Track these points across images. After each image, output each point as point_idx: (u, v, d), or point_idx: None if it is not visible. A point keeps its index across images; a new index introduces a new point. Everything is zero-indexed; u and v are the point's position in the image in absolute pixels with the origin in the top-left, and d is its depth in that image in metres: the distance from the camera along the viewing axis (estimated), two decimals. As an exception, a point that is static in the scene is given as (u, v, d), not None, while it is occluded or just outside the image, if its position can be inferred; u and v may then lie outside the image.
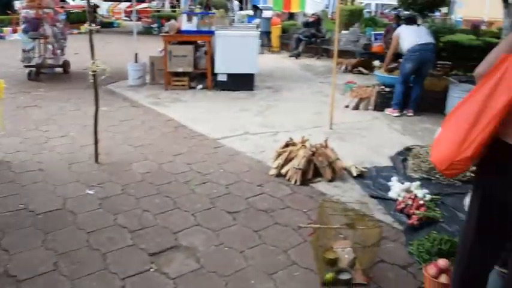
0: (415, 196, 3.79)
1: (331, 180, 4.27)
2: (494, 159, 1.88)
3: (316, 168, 4.30)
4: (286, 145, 4.48)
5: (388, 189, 4.11)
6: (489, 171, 1.95)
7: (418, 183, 4.05)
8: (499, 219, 2.06)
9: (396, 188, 3.99)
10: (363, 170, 4.44)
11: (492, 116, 1.76)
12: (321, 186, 4.21)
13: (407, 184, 4.01)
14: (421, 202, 3.69)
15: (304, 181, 4.22)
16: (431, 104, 6.56)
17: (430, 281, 2.79)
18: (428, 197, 3.89)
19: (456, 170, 1.88)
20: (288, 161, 4.32)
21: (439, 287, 2.77)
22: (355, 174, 4.36)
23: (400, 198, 3.89)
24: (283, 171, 4.29)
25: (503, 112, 1.75)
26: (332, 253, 3.08)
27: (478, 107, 1.80)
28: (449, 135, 1.89)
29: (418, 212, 3.60)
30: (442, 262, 2.84)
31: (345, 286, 2.84)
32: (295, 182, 4.18)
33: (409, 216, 3.65)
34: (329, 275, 2.85)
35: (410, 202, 3.72)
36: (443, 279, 2.72)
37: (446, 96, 6.38)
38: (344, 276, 2.89)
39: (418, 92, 6.50)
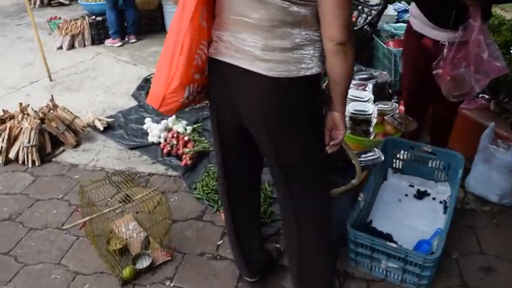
0: (178, 133, 3.33)
1: (77, 145, 3.39)
2: (213, 81, 1.67)
3: (53, 137, 3.32)
4: (2, 121, 3.28)
5: (145, 133, 3.51)
6: (214, 96, 1.72)
7: (173, 117, 3.57)
8: (240, 143, 1.83)
9: (154, 130, 3.43)
10: (109, 120, 3.67)
11: (184, 34, 1.50)
12: (68, 156, 3.29)
13: (163, 122, 3.48)
14: (186, 138, 3.27)
15: (45, 158, 3.23)
16: (150, 25, 5.94)
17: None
18: (189, 128, 3.49)
19: (172, 103, 1.58)
20: (13, 140, 3.17)
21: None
22: (101, 128, 3.56)
23: (162, 141, 3.37)
24: (11, 155, 3.14)
25: (192, 28, 1.50)
26: (117, 240, 2.41)
27: (175, 30, 1.53)
28: (158, 68, 1.61)
29: (187, 149, 3.18)
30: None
31: (149, 272, 2.29)
32: (33, 163, 3.15)
33: (179, 157, 3.20)
34: (126, 271, 2.21)
35: (175, 142, 3.25)
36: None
37: (162, 13, 5.86)
38: (144, 263, 2.30)
39: (132, 14, 5.71)
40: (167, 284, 2.23)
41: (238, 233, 2.08)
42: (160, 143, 3.36)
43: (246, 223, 2.10)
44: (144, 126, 3.55)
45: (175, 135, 3.26)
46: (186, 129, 3.44)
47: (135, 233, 2.48)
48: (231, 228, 2.07)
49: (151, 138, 3.40)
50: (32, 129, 3.13)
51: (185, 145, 3.21)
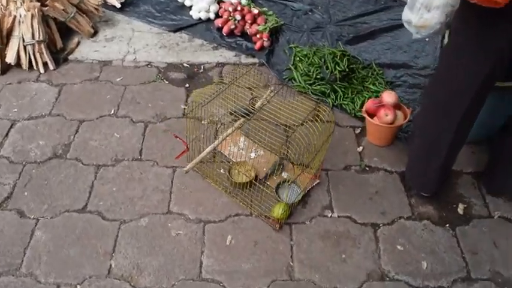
0: (240, 4, 2.32)
1: (95, 33, 2.30)
2: None
3: (62, 24, 2.18)
4: (-23, 6, 2.04)
5: (181, 7, 2.44)
6: None
7: (216, -19, 2.49)
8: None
9: (200, 3, 2.35)
10: (125, -8, 2.51)
11: None
12: (89, 50, 2.20)
13: None
14: (255, 11, 2.29)
15: (58, 57, 2.12)
16: None
17: (382, 128, 1.78)
18: (243, -3, 2.48)
19: None
20: (7, 37, 2.02)
21: (396, 131, 1.82)
22: (118, 4, 2.42)
23: (212, 16, 2.36)
24: (9, 59, 1.99)
25: None
26: (240, 168, 1.65)
27: None
28: None
29: (260, 27, 2.24)
30: (388, 96, 1.80)
31: (298, 204, 1.62)
32: (46, 66, 2.06)
33: (247, 37, 2.27)
34: (279, 212, 1.50)
35: (239, 16, 2.28)
36: (389, 117, 1.75)
37: None
38: (293, 196, 1.58)
39: None
40: (329, 215, 1.59)
41: (453, 147, 1.47)
42: (209, 19, 2.37)
43: (463, 140, 1.47)
44: (179, -2, 2.47)
45: (237, 8, 2.26)
46: (240, -1, 2.44)
47: (251, 151, 1.73)
48: (449, 146, 1.45)
49: (197, 13, 2.37)
50: (33, 16, 1.97)
51: (254, 21, 2.27)
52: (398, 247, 1.53)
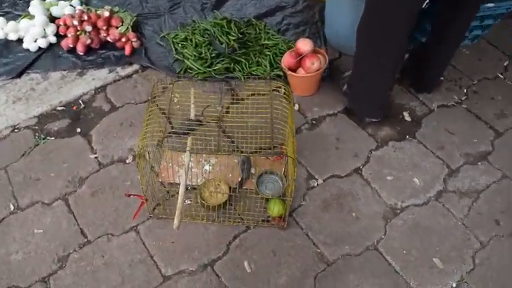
0: (84, 13, 1.93)
1: None
2: None
3: None
4: None
5: (6, 45, 1.93)
6: None
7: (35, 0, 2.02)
8: None
9: (32, 29, 1.88)
10: None
11: None
12: None
13: (37, 11, 1.94)
14: (106, 13, 1.93)
15: None
16: None
17: (310, 78, 1.75)
18: (75, 3, 2.07)
19: None
20: None
21: (317, 79, 1.80)
22: None
23: (53, 40, 1.94)
24: None
25: None
26: (208, 188, 1.46)
27: None
28: None
29: (121, 28, 1.92)
30: (304, 44, 1.74)
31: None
32: None
33: (110, 46, 1.94)
34: (278, 208, 1.39)
35: (89, 27, 1.90)
36: (316, 64, 1.73)
37: None
38: (277, 188, 1.49)
39: None
40: (316, 184, 1.54)
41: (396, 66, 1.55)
42: (52, 44, 1.95)
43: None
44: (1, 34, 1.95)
45: (85, 18, 1.88)
46: (74, 7, 2.03)
47: (203, 165, 1.55)
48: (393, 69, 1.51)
49: (33, 44, 1.90)
50: None
51: (109, 25, 1.93)
52: (388, 178, 1.59)
